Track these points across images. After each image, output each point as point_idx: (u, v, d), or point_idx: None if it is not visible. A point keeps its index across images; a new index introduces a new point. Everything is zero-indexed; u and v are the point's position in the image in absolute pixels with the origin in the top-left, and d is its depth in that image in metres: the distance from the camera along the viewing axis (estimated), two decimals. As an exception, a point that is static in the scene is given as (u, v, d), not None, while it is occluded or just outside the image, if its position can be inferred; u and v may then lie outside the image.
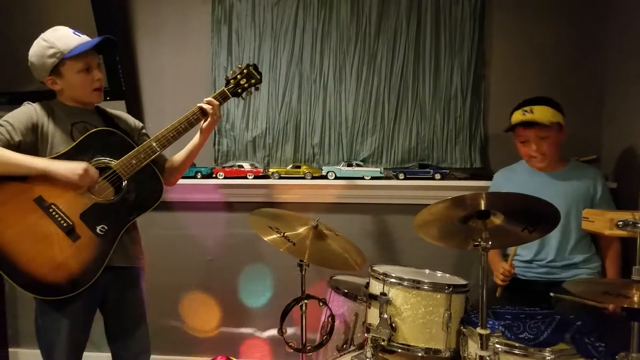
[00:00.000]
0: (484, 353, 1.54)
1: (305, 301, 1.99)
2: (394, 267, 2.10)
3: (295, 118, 2.73)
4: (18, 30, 2.61)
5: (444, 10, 2.60)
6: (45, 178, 1.64)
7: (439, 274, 2.07)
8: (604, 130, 2.49)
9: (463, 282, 1.89)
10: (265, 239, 1.93)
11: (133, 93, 2.80)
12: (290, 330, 2.00)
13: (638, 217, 1.42)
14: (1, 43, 2.67)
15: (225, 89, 1.92)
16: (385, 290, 1.81)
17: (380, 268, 1.92)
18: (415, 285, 1.79)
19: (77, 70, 1.72)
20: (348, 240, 2.16)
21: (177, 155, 1.98)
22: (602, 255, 2.14)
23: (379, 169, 2.57)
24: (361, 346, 1.94)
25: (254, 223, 2.03)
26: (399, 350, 1.78)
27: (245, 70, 1.95)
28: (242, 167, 2.67)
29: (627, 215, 1.46)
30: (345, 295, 2.14)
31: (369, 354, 1.78)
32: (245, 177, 2.64)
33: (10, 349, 2.98)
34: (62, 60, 1.69)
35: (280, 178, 2.61)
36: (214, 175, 2.66)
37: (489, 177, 2.45)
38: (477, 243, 1.60)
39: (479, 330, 1.56)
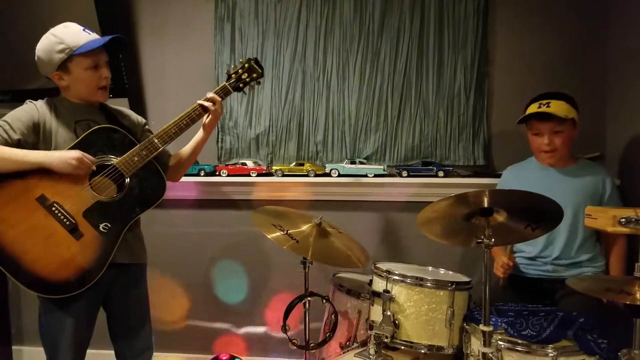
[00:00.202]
0: (486, 350, 1.55)
1: (309, 298, 2.00)
2: (397, 264, 2.10)
3: (299, 116, 2.73)
4: (20, 28, 2.61)
5: (447, 8, 2.60)
6: (47, 176, 1.63)
7: (442, 271, 2.08)
8: (607, 128, 2.49)
9: (466, 279, 1.90)
10: (268, 236, 1.93)
11: (136, 90, 2.80)
12: (293, 328, 2.00)
13: (641, 214, 1.41)
14: (3, 41, 2.67)
15: (227, 84, 1.90)
16: (389, 288, 1.82)
17: (384, 265, 1.93)
18: (419, 282, 1.79)
19: (85, 67, 1.71)
20: (351, 238, 2.16)
21: (181, 151, 1.98)
22: (607, 253, 2.13)
23: (382, 167, 2.57)
24: (364, 343, 1.94)
25: (257, 221, 2.03)
26: (402, 347, 1.79)
27: (246, 65, 1.93)
28: (245, 164, 2.67)
29: (629, 213, 1.46)
30: (349, 292, 2.14)
31: (372, 351, 1.79)
32: (249, 175, 2.64)
33: (13, 347, 2.98)
34: (71, 56, 1.68)
35: (284, 176, 2.62)
36: (217, 173, 2.66)
37: (492, 175, 2.44)
38: (480, 240, 1.61)
39: (481, 327, 1.56)
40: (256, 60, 1.95)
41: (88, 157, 1.66)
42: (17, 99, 2.46)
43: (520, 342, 1.58)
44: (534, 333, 1.59)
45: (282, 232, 1.97)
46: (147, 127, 1.99)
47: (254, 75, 1.94)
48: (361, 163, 2.61)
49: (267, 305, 2.81)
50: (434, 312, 1.77)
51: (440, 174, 2.52)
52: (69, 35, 1.69)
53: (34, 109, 1.71)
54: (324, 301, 2.03)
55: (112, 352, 1.90)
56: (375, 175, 2.56)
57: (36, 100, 1.75)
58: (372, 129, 2.69)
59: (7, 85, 2.72)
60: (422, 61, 2.63)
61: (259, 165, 2.69)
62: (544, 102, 2.08)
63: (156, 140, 1.78)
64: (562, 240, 2.09)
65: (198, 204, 2.82)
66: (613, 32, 2.44)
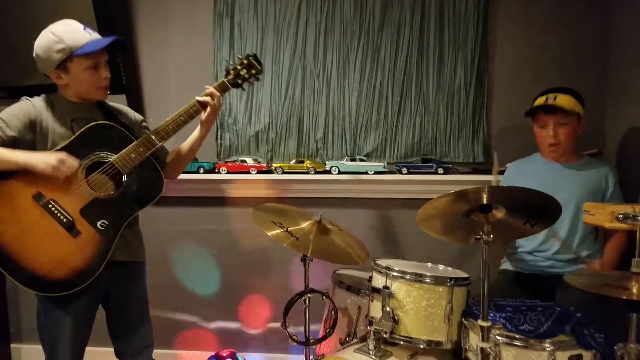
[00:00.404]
0: (485, 345, 1.56)
1: (309, 295, 2.00)
2: (396, 260, 2.11)
3: (299, 112, 2.73)
4: (18, 24, 2.59)
5: (447, 4, 2.59)
6: (42, 173, 1.61)
7: (441, 267, 2.09)
8: (606, 124, 2.49)
9: (465, 275, 1.90)
10: (268, 233, 1.93)
11: (134, 87, 2.78)
12: (293, 324, 2.01)
13: (638, 210, 1.42)
14: (1, 38, 2.66)
15: (225, 80, 1.87)
16: (388, 284, 1.82)
17: (383, 262, 1.93)
18: (418, 278, 1.80)
19: (85, 68, 1.68)
20: (351, 235, 2.16)
21: (179, 148, 1.95)
22: (604, 245, 2.14)
23: (382, 164, 2.58)
24: (364, 339, 1.95)
25: (257, 218, 2.03)
26: (401, 343, 1.80)
27: (245, 61, 1.89)
28: (245, 162, 2.67)
29: (627, 209, 1.47)
30: (348, 289, 2.15)
31: (371, 347, 1.80)
32: (248, 172, 2.64)
33: (12, 345, 2.99)
34: (70, 56, 1.65)
35: (284, 173, 2.62)
36: (216, 170, 2.66)
37: (492, 172, 2.45)
38: (479, 237, 1.62)
39: (480, 322, 1.57)
40: (255, 57, 1.91)
41: (69, 159, 1.63)
42: (14, 96, 2.44)
43: (518, 337, 1.59)
44: (532, 328, 1.60)
45: (282, 230, 1.97)
46: (144, 124, 1.97)
47: (253, 71, 1.90)
48: (361, 160, 2.61)
49: (268, 301, 2.82)
50: (433, 307, 1.78)
51: (440, 171, 2.52)
52: (69, 34, 1.64)
53: (30, 106, 1.68)
54: (324, 297, 2.03)
55: (112, 349, 1.90)
56: (376, 173, 2.56)
57: (32, 97, 1.73)
58: (372, 126, 2.69)
59: (4, 82, 2.69)
60: (423, 58, 2.63)
61: (259, 162, 2.69)
62: (551, 95, 2.12)
63: (153, 137, 1.76)
64: (563, 234, 2.11)
65: (198, 202, 2.81)
66: (614, 29, 2.44)
